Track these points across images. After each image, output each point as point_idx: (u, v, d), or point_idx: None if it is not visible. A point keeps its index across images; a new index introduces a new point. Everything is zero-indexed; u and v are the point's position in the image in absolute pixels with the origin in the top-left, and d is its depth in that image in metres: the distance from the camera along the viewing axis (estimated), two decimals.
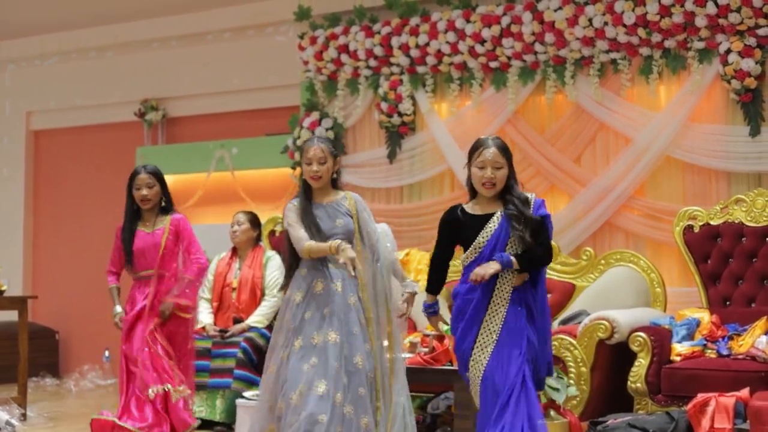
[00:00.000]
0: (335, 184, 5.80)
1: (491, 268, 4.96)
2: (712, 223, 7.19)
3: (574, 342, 6.64)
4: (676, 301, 7.37)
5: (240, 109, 10.22)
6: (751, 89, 7.41)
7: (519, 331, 5.05)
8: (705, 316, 6.80)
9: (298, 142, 9.12)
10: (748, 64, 7.35)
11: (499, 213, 5.08)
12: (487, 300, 5.10)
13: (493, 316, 5.08)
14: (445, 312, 5.49)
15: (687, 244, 7.21)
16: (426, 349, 6.52)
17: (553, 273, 7.61)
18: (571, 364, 6.62)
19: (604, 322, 6.61)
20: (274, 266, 8.09)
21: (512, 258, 4.98)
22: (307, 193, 5.76)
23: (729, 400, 5.91)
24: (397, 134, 8.85)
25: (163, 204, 6.63)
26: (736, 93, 7.45)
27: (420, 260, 8.16)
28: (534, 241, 5.01)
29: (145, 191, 6.51)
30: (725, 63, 7.42)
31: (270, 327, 7.90)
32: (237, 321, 7.90)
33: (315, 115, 9.12)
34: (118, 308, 6.69)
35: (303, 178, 5.77)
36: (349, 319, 5.60)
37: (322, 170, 5.65)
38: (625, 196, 7.85)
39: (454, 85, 8.58)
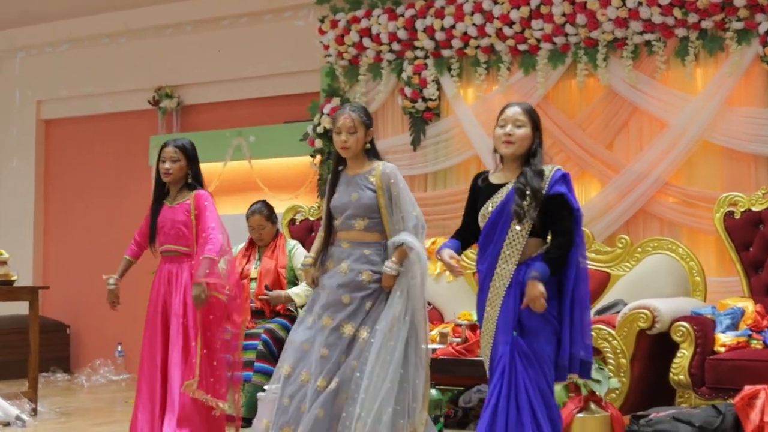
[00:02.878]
0: (371, 155, 5.53)
1: (536, 290, 4.63)
2: (753, 209, 6.91)
3: (613, 332, 6.36)
4: (716, 290, 7.08)
5: (257, 96, 9.94)
6: None
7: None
8: (749, 306, 6.52)
9: (319, 130, 8.85)
10: None
11: (511, 182, 4.79)
12: (488, 280, 4.83)
13: (493, 300, 4.80)
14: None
15: (728, 231, 6.93)
16: (458, 339, 6.26)
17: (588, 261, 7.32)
18: (609, 355, 6.33)
19: (645, 311, 6.32)
20: (301, 255, 7.82)
21: (543, 264, 4.68)
22: (339, 164, 5.57)
23: None
24: (421, 120, 8.57)
25: (189, 181, 6.33)
26: None
27: None
28: (539, 221, 4.71)
29: (168, 164, 6.22)
30: (765, 44, 7.16)
31: (291, 318, 7.65)
32: (267, 288, 7.67)
33: (336, 102, 8.84)
34: (112, 280, 6.36)
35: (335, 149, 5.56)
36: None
37: (351, 140, 5.40)
38: (660, 182, 7.57)
39: (480, 69, 8.30)
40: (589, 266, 7.08)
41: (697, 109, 7.45)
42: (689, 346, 6.20)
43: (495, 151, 4.92)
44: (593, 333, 6.26)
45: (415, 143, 8.60)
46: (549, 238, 4.80)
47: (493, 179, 4.91)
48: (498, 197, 4.80)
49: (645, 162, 7.62)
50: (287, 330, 7.51)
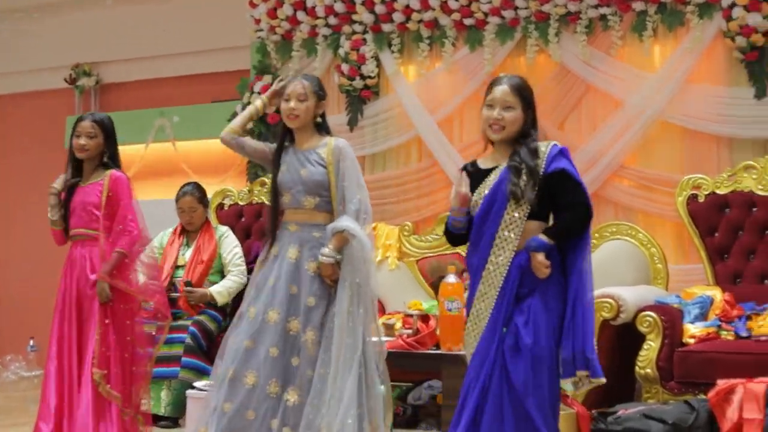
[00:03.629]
0: (321, 129, 5.11)
1: (536, 259, 4.17)
2: (718, 192, 6.51)
3: None
4: (677, 278, 6.67)
5: (182, 74, 9.26)
6: (757, 47, 6.74)
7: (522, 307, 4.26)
8: (717, 295, 6.10)
9: None
10: (755, 19, 6.68)
11: (502, 165, 4.31)
12: (480, 271, 4.30)
13: (487, 292, 4.29)
14: None
15: (691, 215, 6.52)
16: (409, 331, 5.74)
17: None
18: None
19: (609, 300, 5.88)
20: (231, 243, 7.27)
21: (541, 237, 4.20)
22: (285, 137, 5.11)
23: (759, 386, 5.24)
24: (359, 99, 8.04)
25: (105, 160, 5.74)
26: (741, 51, 6.78)
27: (388, 235, 7.38)
28: (538, 203, 4.22)
29: (83, 140, 5.61)
30: (729, 18, 6.75)
31: (222, 310, 7.08)
32: (188, 284, 7.06)
33: (267, 79, 8.28)
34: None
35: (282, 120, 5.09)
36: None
37: (300, 109, 4.97)
38: (615, 164, 7.14)
39: (423, 44, 7.79)
40: None
41: (655, 87, 7.03)
42: (656, 338, 5.77)
43: (484, 131, 4.42)
44: None
45: (353, 123, 8.06)
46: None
47: (482, 164, 4.42)
48: (489, 181, 4.30)
49: (599, 143, 7.18)
50: (217, 322, 6.98)
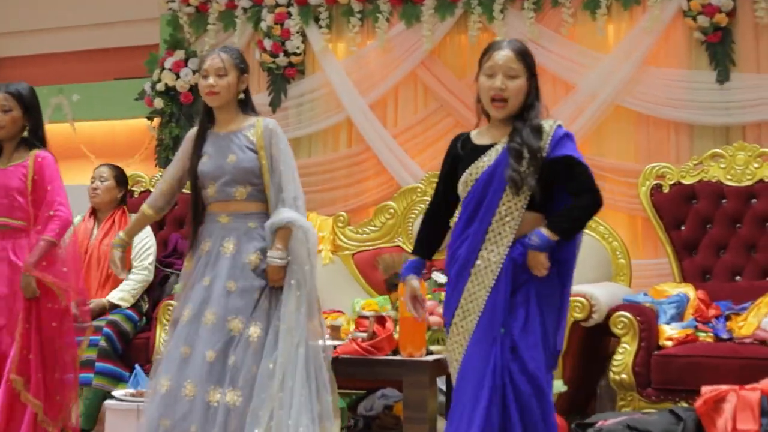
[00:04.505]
0: (246, 108, 4.57)
1: (536, 259, 3.71)
2: (684, 182, 6.05)
3: None
4: (639, 275, 6.20)
5: (82, 49, 8.37)
6: (720, 27, 6.31)
7: (517, 306, 3.76)
8: (690, 292, 5.64)
9: (159, 87, 7.55)
10: None
11: (502, 142, 3.79)
12: (469, 266, 3.79)
13: (476, 291, 3.76)
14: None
15: (656, 206, 6.05)
16: (363, 334, 5.12)
17: None
18: None
19: (580, 299, 5.37)
20: (141, 233, 6.50)
21: (543, 231, 3.70)
22: (206, 120, 4.55)
23: (752, 394, 4.76)
24: (282, 77, 7.37)
25: (26, 135, 5.01)
26: (703, 32, 6.35)
27: (321, 226, 6.73)
28: (539, 191, 3.71)
29: None
30: None
31: (138, 308, 6.35)
32: None
33: (180, 55, 7.56)
34: None
35: (202, 99, 4.53)
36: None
37: (220, 85, 4.43)
38: None
39: (354, 19, 7.16)
40: None
41: (610, 69, 6.57)
42: (632, 341, 5.29)
43: (479, 101, 3.91)
44: None
45: (275, 104, 7.40)
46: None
47: (477, 139, 3.92)
48: (485, 160, 3.79)
49: None
50: (133, 322, 6.26)
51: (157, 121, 7.65)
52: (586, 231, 5.97)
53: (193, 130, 4.61)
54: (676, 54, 6.49)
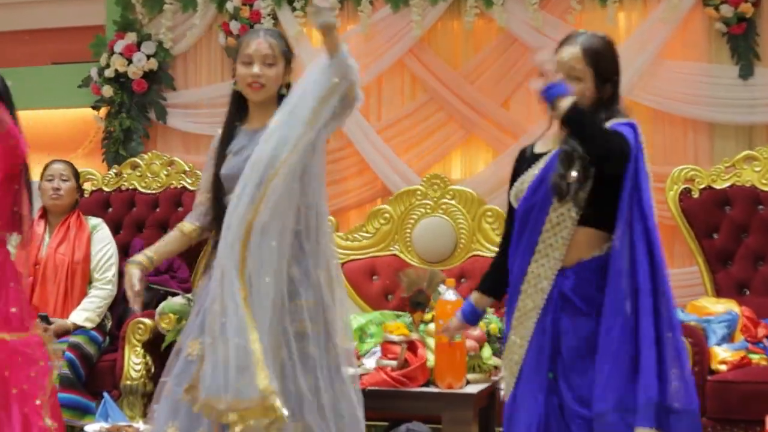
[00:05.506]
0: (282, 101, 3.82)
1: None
2: (715, 186, 5.54)
3: None
4: None
5: (17, 29, 7.46)
6: (745, 18, 5.81)
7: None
8: (734, 309, 5.13)
9: (108, 73, 6.74)
10: None
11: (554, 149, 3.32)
12: (519, 284, 3.34)
13: (525, 316, 3.33)
14: None
15: (685, 213, 5.52)
16: (392, 362, 4.46)
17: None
18: None
19: None
20: (103, 239, 5.74)
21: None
22: (237, 114, 3.85)
23: None
24: None
25: None
26: (725, 23, 5.83)
27: None
28: (591, 201, 3.26)
29: None
30: None
31: (99, 327, 5.58)
32: (44, 319, 5.32)
33: (131, 37, 6.76)
34: None
35: (235, 90, 3.83)
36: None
37: (267, 76, 3.76)
38: None
39: (334, 0, 6.45)
40: None
41: (622, 61, 5.96)
42: None
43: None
44: None
45: None
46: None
47: (538, 147, 3.46)
48: (535, 169, 3.34)
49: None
50: (97, 344, 5.51)
51: (104, 110, 6.84)
52: None
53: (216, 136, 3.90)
54: (695, 46, 5.97)
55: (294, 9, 6.50)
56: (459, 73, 6.29)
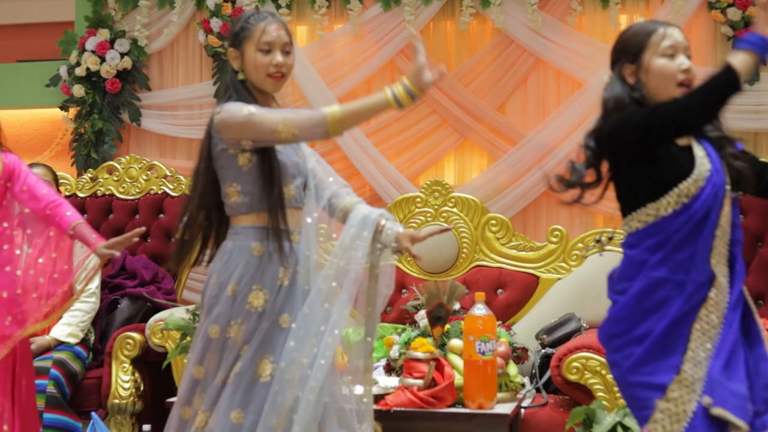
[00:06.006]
0: None
1: None
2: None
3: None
4: None
5: None
6: (752, 22, 5.64)
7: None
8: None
9: (78, 72, 6.39)
10: None
11: (696, 143, 3.02)
12: (707, 285, 2.90)
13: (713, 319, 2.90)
14: None
15: None
16: (418, 382, 4.20)
17: (505, 260, 5.52)
18: (602, 394, 4.53)
19: None
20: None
21: None
22: (250, 102, 3.43)
23: None
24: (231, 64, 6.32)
25: None
26: (732, 26, 5.67)
27: None
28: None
29: None
30: None
31: (83, 342, 5.24)
32: None
33: (104, 34, 6.41)
34: None
35: (240, 80, 3.47)
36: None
37: (288, 65, 3.46)
38: (574, 158, 5.84)
39: None
40: (509, 266, 5.47)
41: None
42: None
43: (631, 95, 3.08)
44: (575, 363, 4.50)
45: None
46: None
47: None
48: (701, 159, 2.98)
49: (552, 132, 5.88)
50: (81, 360, 5.17)
51: (73, 111, 6.48)
52: (620, 249, 5.27)
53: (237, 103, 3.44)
54: (700, 50, 5.79)
55: (279, 6, 6.21)
56: (453, 75, 6.04)
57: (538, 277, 5.47)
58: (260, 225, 3.36)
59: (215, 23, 6.23)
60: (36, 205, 4.12)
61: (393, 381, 4.32)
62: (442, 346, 4.44)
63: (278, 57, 3.41)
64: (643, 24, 3.12)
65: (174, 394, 4.96)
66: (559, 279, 5.43)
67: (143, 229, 4.06)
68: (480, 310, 4.15)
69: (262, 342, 3.27)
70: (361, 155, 6.08)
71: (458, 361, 4.34)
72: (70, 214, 4.11)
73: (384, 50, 6.11)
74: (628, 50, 3.05)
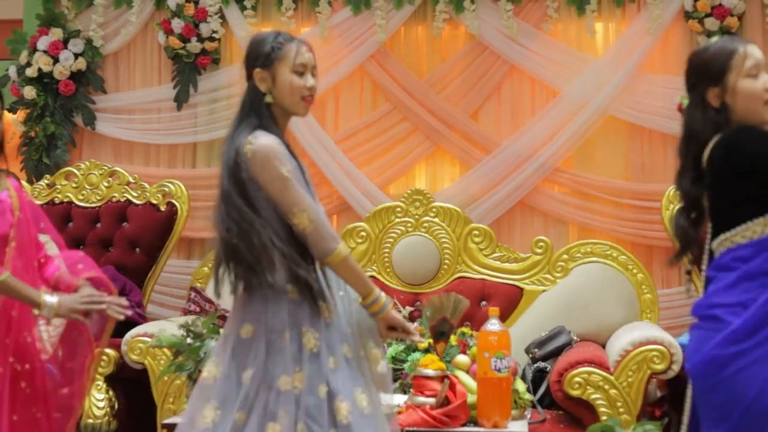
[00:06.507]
0: None
1: None
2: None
3: (611, 377, 4.47)
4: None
5: None
6: (730, 32, 5.64)
7: None
8: None
9: (29, 73, 6.09)
10: (731, 0, 5.59)
11: None
12: None
13: None
14: None
15: None
16: (429, 400, 4.05)
17: (489, 272, 5.39)
18: (605, 410, 4.45)
19: (658, 347, 4.51)
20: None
21: None
22: (277, 129, 3.25)
23: None
24: (192, 67, 6.09)
25: None
26: (709, 36, 5.65)
27: None
28: None
29: None
30: None
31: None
32: None
33: (57, 33, 6.12)
34: None
35: (267, 102, 3.23)
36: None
37: (315, 89, 3.29)
38: (548, 168, 5.77)
39: (288, 0, 5.99)
40: (492, 278, 5.37)
41: (600, 73, 5.75)
42: None
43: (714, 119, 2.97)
44: (577, 378, 4.41)
45: (181, 99, 6.10)
46: None
47: None
48: None
49: (527, 141, 5.79)
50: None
51: (23, 113, 6.17)
52: (607, 261, 5.24)
53: (275, 142, 3.20)
54: (676, 59, 5.75)
55: (245, 8, 6.00)
56: (425, 81, 5.92)
57: (522, 289, 5.36)
58: None
59: (177, 24, 5.99)
60: None
61: (400, 399, 4.16)
62: (447, 362, 4.31)
63: (311, 80, 3.25)
64: (721, 44, 3.01)
65: (152, 411, 4.75)
66: (544, 291, 5.33)
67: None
68: (494, 325, 4.02)
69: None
70: (330, 162, 5.90)
71: (465, 378, 4.21)
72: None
73: (353, 55, 5.95)
74: (710, 73, 2.95)
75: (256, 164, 3.11)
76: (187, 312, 5.42)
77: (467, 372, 4.27)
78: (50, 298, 3.48)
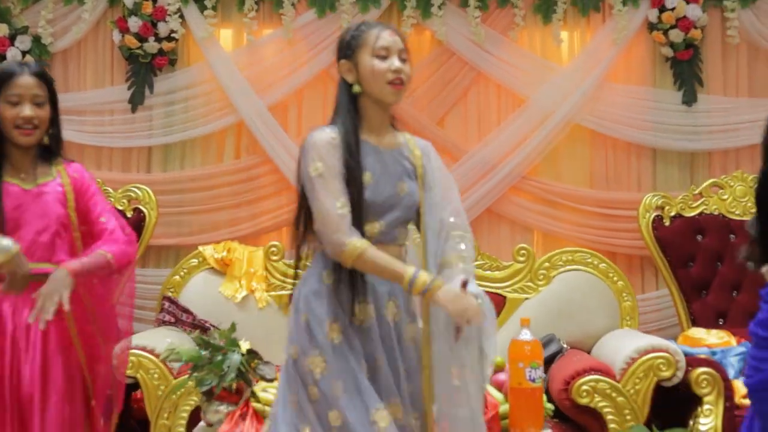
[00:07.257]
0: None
1: None
2: (685, 214, 5.43)
3: (618, 385, 4.51)
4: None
5: None
6: (693, 44, 5.78)
7: None
8: (732, 342, 5.04)
9: None
10: (695, 12, 5.72)
11: None
12: None
13: None
14: None
15: (660, 242, 5.36)
16: None
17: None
18: (612, 417, 4.48)
19: (664, 354, 4.56)
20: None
21: None
22: (354, 122, 3.21)
23: None
24: (148, 68, 5.87)
25: (46, 141, 3.49)
26: (673, 48, 5.77)
27: (250, 260, 5.38)
28: None
29: (29, 111, 3.33)
30: (662, 8, 5.72)
31: None
32: None
33: (2, 29, 5.82)
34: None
35: (354, 94, 3.24)
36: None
37: (407, 72, 3.22)
38: (514, 176, 5.78)
39: (250, 1, 5.84)
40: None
41: (566, 82, 5.80)
42: (717, 400, 4.58)
43: None
44: (585, 387, 4.44)
45: (136, 101, 5.87)
46: None
47: None
48: None
49: (495, 149, 5.78)
50: None
51: None
52: (587, 269, 5.29)
53: (329, 135, 3.17)
54: (640, 71, 5.85)
55: (205, 8, 5.82)
56: None
57: (504, 297, 5.35)
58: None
59: (134, 23, 5.77)
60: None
61: None
62: None
63: (396, 62, 3.17)
64: None
65: (145, 426, 4.56)
66: (526, 299, 5.34)
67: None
68: (526, 335, 4.00)
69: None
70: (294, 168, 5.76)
71: (490, 389, 4.17)
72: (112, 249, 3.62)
73: (318, 58, 5.83)
74: None
75: (300, 157, 3.16)
76: (161, 323, 5.23)
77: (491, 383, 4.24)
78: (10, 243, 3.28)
